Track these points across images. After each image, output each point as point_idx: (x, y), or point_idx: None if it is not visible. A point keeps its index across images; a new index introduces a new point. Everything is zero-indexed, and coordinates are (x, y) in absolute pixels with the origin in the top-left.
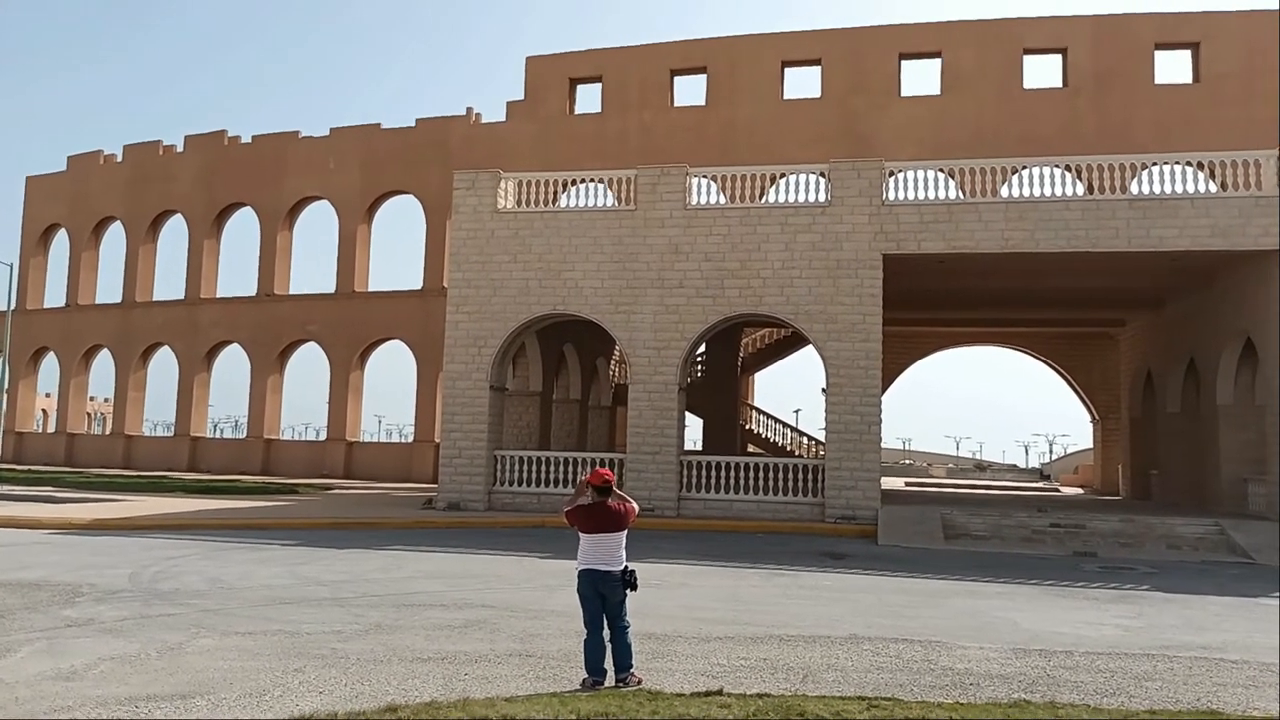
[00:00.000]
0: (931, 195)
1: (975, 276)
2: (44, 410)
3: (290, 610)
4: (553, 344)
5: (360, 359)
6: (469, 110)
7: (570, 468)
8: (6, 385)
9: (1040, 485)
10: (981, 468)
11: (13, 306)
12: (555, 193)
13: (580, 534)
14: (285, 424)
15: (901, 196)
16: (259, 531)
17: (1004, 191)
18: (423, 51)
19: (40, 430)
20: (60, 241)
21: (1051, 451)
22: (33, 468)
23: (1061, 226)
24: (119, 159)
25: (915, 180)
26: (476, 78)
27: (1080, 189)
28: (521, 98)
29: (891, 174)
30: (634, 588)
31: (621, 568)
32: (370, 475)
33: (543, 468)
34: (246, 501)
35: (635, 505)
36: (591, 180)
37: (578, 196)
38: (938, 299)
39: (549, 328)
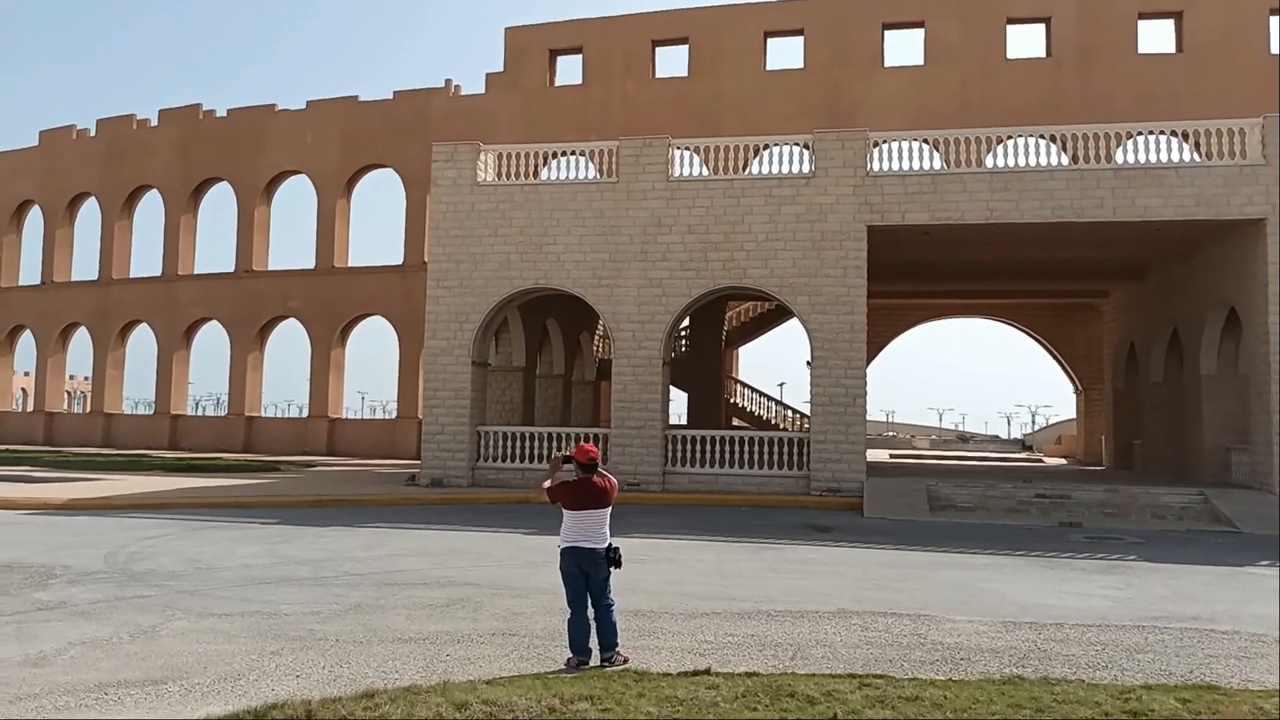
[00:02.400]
0: (916, 166)
1: (959, 248)
2: (23, 389)
3: (269, 590)
4: (535, 319)
5: (341, 335)
6: (448, 82)
7: (554, 443)
8: None
9: (1023, 456)
10: (964, 439)
11: None
12: (536, 165)
13: (564, 511)
14: (267, 401)
15: (886, 167)
16: (239, 510)
17: (988, 162)
18: (402, 23)
19: (19, 410)
20: (34, 218)
21: (1034, 422)
22: (11, 447)
23: (1046, 197)
24: (92, 134)
25: (899, 151)
26: (456, 49)
27: (1065, 159)
28: (501, 69)
29: (876, 145)
30: (618, 565)
31: (606, 545)
32: (353, 452)
33: (526, 443)
34: (227, 480)
35: (615, 481)
36: (573, 153)
37: (559, 169)
38: (922, 271)
39: (531, 302)
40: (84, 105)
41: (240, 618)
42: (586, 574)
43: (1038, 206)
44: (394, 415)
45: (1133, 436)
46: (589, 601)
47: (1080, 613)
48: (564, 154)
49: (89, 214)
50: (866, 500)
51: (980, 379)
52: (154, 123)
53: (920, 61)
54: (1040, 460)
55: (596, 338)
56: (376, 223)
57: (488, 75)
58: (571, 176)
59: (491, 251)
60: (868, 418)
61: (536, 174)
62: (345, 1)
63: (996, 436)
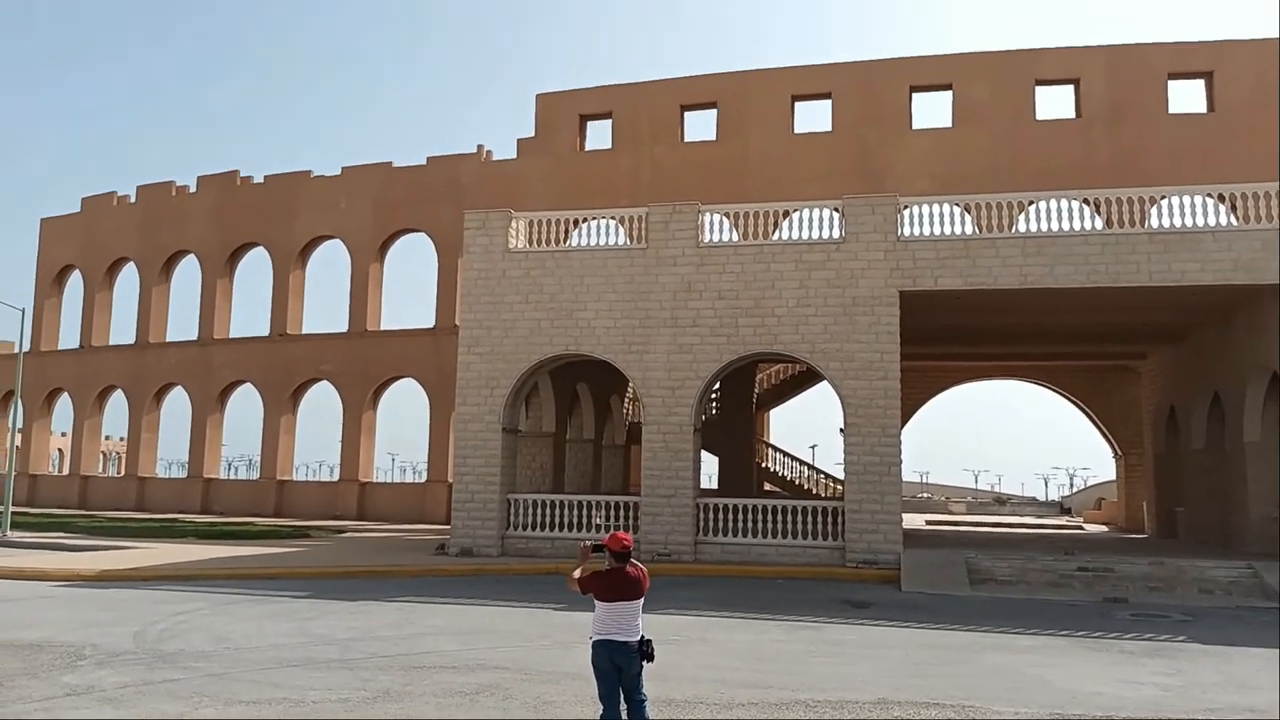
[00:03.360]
0: (947, 230)
1: (993, 312)
2: (59, 450)
3: (297, 674)
4: (566, 383)
5: (373, 398)
6: (480, 148)
7: (584, 511)
8: (20, 427)
9: (1063, 521)
10: (1001, 501)
11: (26, 349)
12: (566, 231)
13: (596, 601)
14: (298, 463)
15: (917, 232)
16: (269, 581)
17: (1020, 225)
18: (434, 90)
19: (55, 472)
20: (74, 283)
21: (1072, 484)
22: (47, 511)
23: (1081, 261)
24: (132, 200)
25: (930, 215)
26: (488, 115)
27: (1099, 222)
28: (532, 135)
29: (906, 208)
30: (651, 659)
31: (639, 638)
32: (383, 516)
33: (556, 511)
34: (258, 547)
35: (647, 570)
36: (603, 218)
37: (589, 235)
38: (956, 334)
39: (562, 367)
40: (125, 172)
41: (267, 705)
42: (619, 668)
43: (1072, 271)
44: (424, 478)
45: (1175, 503)
46: (621, 696)
47: (1132, 703)
48: (594, 219)
49: (128, 279)
50: (904, 573)
51: (1016, 441)
52: (192, 189)
53: (949, 124)
54: (1080, 526)
55: (626, 400)
56: (408, 286)
57: (519, 140)
58: (601, 242)
59: (522, 317)
60: (902, 479)
61: (567, 239)
62: (380, 69)
63: (1034, 499)
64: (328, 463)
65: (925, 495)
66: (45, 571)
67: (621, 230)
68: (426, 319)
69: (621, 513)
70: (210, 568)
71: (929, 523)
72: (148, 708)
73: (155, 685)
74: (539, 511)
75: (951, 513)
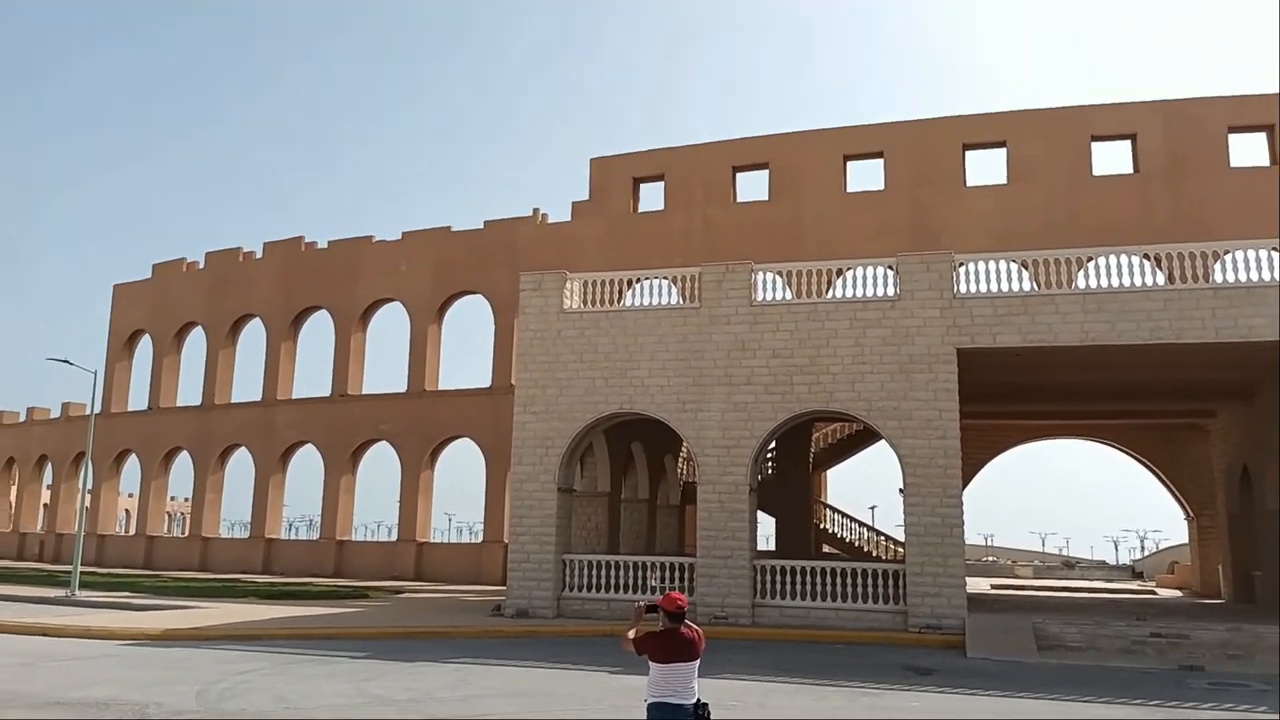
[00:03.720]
0: (1004, 287)
1: (1054, 369)
2: (126, 511)
3: None
4: (620, 442)
5: (431, 458)
6: (535, 211)
7: (639, 572)
8: (90, 488)
9: (1134, 585)
10: (1070, 565)
11: (96, 411)
12: (620, 291)
13: (651, 663)
14: (357, 522)
15: (973, 289)
16: (328, 642)
17: (1080, 282)
18: (491, 155)
19: (122, 532)
20: (144, 346)
21: (1143, 547)
22: (113, 570)
23: (1143, 317)
24: (201, 266)
25: (987, 272)
26: (543, 179)
27: (1160, 278)
28: (586, 198)
29: (961, 265)
30: None
31: (694, 701)
32: (440, 577)
33: (612, 572)
34: (317, 608)
35: (702, 632)
36: (656, 278)
37: (643, 294)
38: (1016, 392)
39: (616, 426)
40: (194, 239)
41: None
42: None
43: (1134, 328)
44: (480, 538)
45: (1252, 566)
46: None
47: None
48: (647, 279)
49: (195, 342)
50: (969, 639)
51: (1084, 502)
52: (258, 255)
53: (1004, 181)
54: (1153, 591)
55: (681, 460)
56: (466, 347)
57: (573, 203)
58: (655, 302)
59: (577, 377)
60: (966, 542)
61: (620, 299)
62: (438, 137)
63: (1104, 562)
64: (386, 523)
65: (990, 559)
66: (112, 630)
67: (674, 290)
68: (483, 379)
69: (677, 574)
70: (271, 628)
71: (994, 587)
72: None
73: None
74: (594, 572)
75: (1018, 576)
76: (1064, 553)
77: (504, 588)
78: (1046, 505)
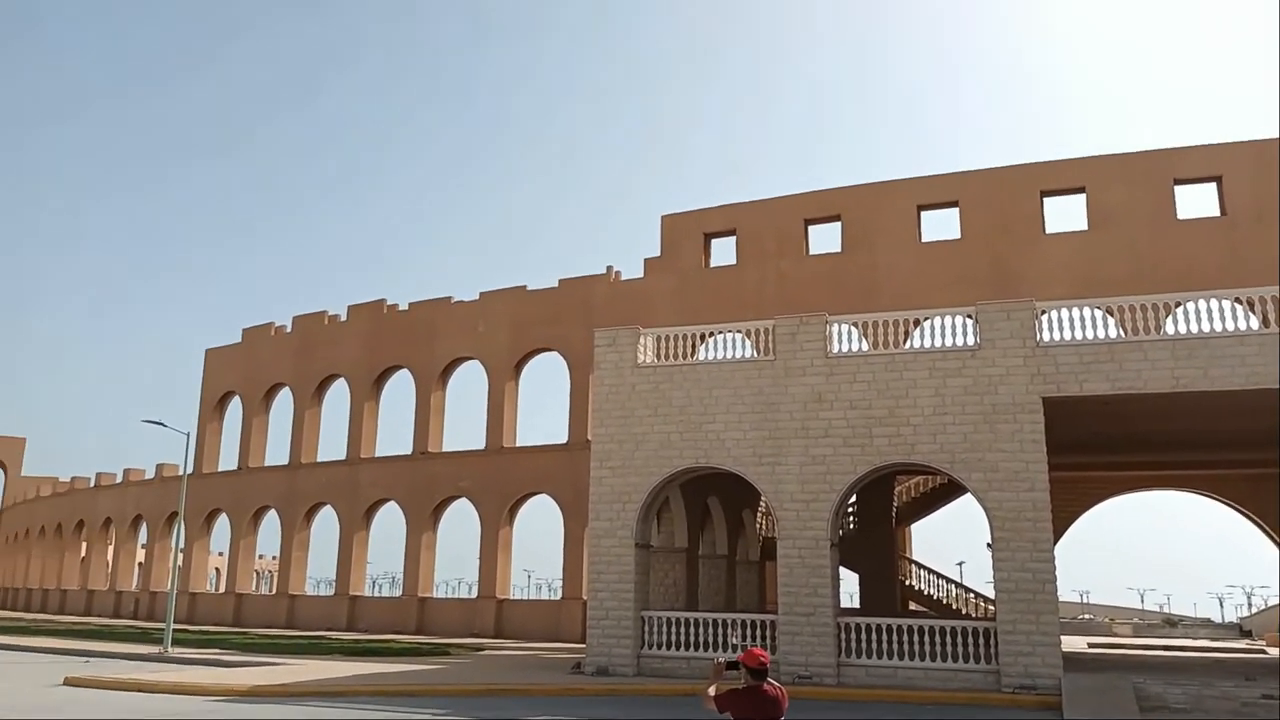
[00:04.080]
0: (1089, 335)
1: (1146, 418)
2: (216, 569)
3: None
4: (697, 497)
5: (509, 514)
6: (609, 268)
7: (719, 630)
8: (182, 546)
9: (1242, 644)
10: (1171, 623)
11: (189, 471)
12: (693, 345)
13: None
14: (439, 579)
15: (1057, 337)
16: (412, 699)
17: (1169, 328)
18: (565, 215)
19: (212, 590)
20: (234, 407)
21: (1250, 604)
22: (204, 628)
23: (1237, 362)
24: (288, 329)
25: (1070, 320)
26: (616, 238)
27: (1254, 322)
28: (658, 254)
29: (1044, 313)
30: None
31: None
32: (520, 634)
33: (691, 630)
34: (400, 664)
35: (785, 690)
36: (729, 332)
37: (716, 348)
38: (1107, 442)
39: (692, 481)
40: (282, 303)
41: None
42: None
43: (1229, 374)
44: (559, 595)
45: None
46: None
47: None
48: (721, 333)
49: (283, 403)
50: (1066, 700)
51: (1185, 557)
52: (343, 317)
53: (1084, 227)
54: (1262, 649)
55: (759, 514)
56: (544, 404)
57: (646, 260)
58: (729, 355)
59: (652, 431)
60: (1060, 599)
61: (694, 354)
62: (515, 198)
63: (1209, 620)
64: (466, 580)
65: (1086, 616)
66: (203, 686)
67: (748, 343)
68: (559, 436)
69: (758, 631)
70: (355, 685)
71: (1091, 645)
72: None
73: None
74: (673, 629)
75: (1116, 635)
76: (1165, 610)
77: (583, 645)
78: (1145, 560)
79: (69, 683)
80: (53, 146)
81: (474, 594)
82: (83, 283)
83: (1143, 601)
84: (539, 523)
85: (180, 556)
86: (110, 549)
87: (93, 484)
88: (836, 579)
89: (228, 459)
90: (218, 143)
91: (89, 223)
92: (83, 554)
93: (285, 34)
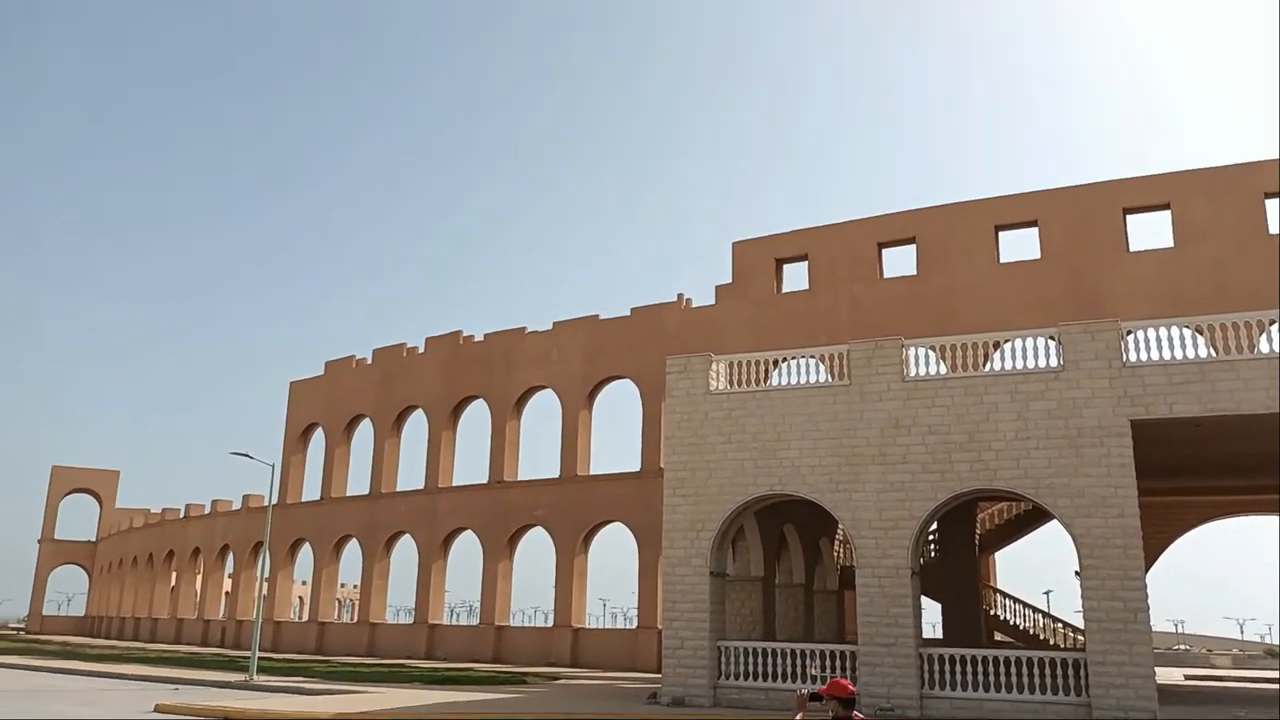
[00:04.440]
0: (1177, 354)
1: (1240, 439)
2: (300, 598)
3: None
4: (772, 525)
5: (584, 542)
6: (680, 296)
7: (798, 660)
8: (267, 576)
9: None
10: (1274, 654)
11: (274, 502)
12: (766, 372)
13: None
14: (515, 608)
15: (1144, 357)
16: None
17: (1263, 346)
18: (637, 245)
19: (296, 619)
20: (317, 439)
21: None
22: (288, 656)
23: None
24: (368, 361)
25: (1157, 339)
26: (686, 265)
27: None
28: (730, 281)
29: (1130, 334)
30: None
31: None
32: (596, 663)
33: (769, 660)
34: (479, 693)
35: None
36: (803, 357)
37: (789, 374)
38: (1200, 466)
39: (767, 509)
40: (363, 338)
41: None
42: None
43: None
44: (634, 624)
45: None
46: None
47: None
48: (794, 359)
49: (363, 434)
50: None
51: None
52: (421, 349)
53: (1169, 244)
54: None
55: (837, 542)
56: (617, 432)
57: (717, 287)
58: (802, 381)
59: (726, 458)
60: (1153, 629)
61: (767, 380)
62: (586, 231)
63: None
64: (542, 608)
65: (1181, 647)
66: (287, 714)
67: (822, 368)
68: (632, 464)
69: (838, 662)
70: (436, 713)
71: (1188, 677)
72: None
73: None
74: (751, 660)
75: (1214, 666)
76: (1266, 641)
77: (659, 675)
78: (1244, 589)
79: (160, 710)
80: (135, 195)
81: (550, 622)
82: (170, 324)
83: (1242, 632)
84: (613, 551)
85: (265, 586)
86: (198, 578)
87: (182, 515)
88: (918, 608)
89: (311, 489)
90: (296, 180)
91: (177, 264)
92: (172, 583)
93: (354, 72)
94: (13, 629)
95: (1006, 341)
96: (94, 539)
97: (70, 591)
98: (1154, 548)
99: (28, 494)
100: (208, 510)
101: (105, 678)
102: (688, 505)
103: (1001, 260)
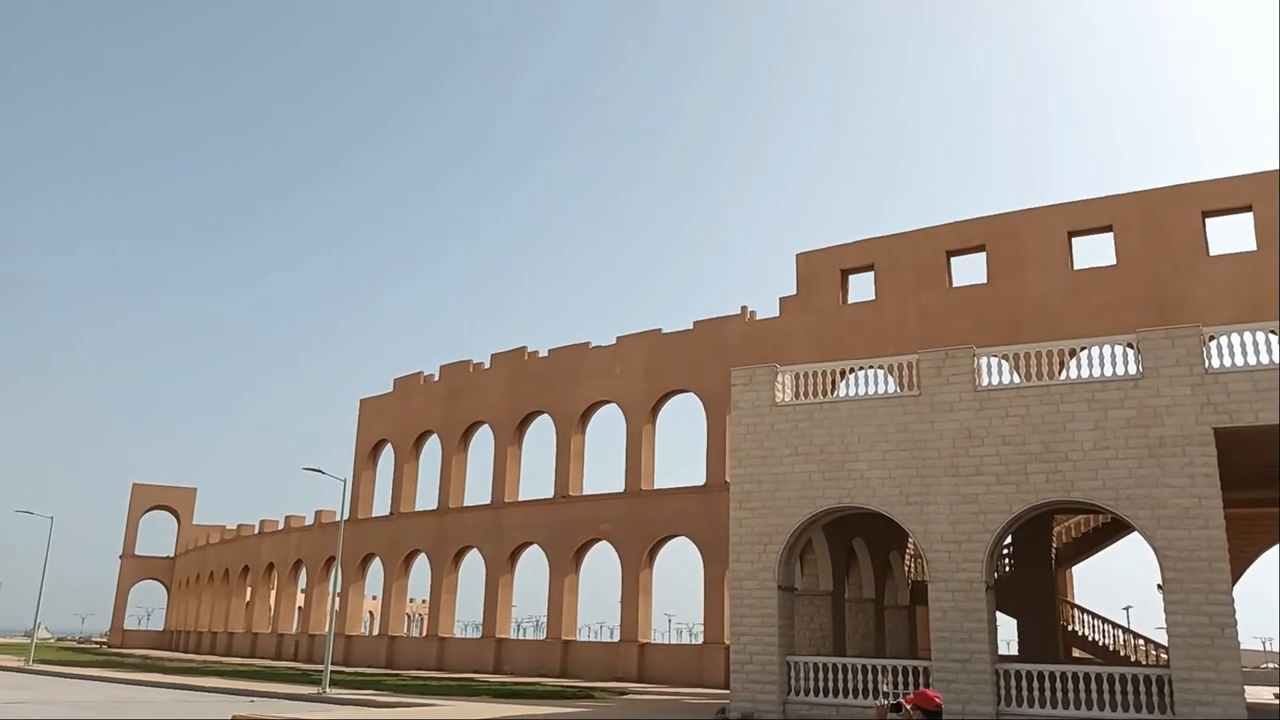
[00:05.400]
0: (1263, 360)
1: None
2: (370, 612)
3: None
4: (841, 539)
5: (649, 557)
6: (743, 309)
7: (869, 676)
8: (339, 590)
9: None
10: None
11: (345, 517)
12: (833, 383)
13: None
14: (581, 622)
15: (1227, 363)
16: None
17: None
18: (699, 258)
19: (366, 633)
20: (386, 455)
21: None
22: (359, 670)
23: None
24: (436, 378)
25: (1242, 345)
26: (750, 277)
27: None
28: (794, 292)
29: (1212, 339)
30: None
31: None
32: (662, 678)
33: (839, 676)
34: (546, 707)
35: None
36: (870, 368)
37: (857, 385)
38: None
39: (835, 522)
40: (432, 354)
41: None
42: None
43: None
44: (701, 639)
45: None
46: None
47: None
48: (861, 370)
49: (431, 449)
50: None
51: None
52: (487, 365)
53: (1252, 247)
54: None
55: (907, 557)
56: (683, 445)
57: (781, 299)
58: (870, 392)
59: (792, 471)
60: (1241, 645)
61: (833, 391)
62: (645, 245)
63: None
64: (608, 623)
65: (1271, 665)
66: None
67: (891, 379)
68: (697, 478)
69: (910, 678)
70: None
71: (1278, 696)
72: None
73: None
74: (821, 675)
75: None
76: None
77: (727, 690)
78: None
79: None
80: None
81: (616, 637)
82: (246, 345)
83: None
84: (677, 566)
85: (337, 600)
86: (272, 593)
87: (257, 530)
88: (993, 624)
89: (381, 504)
90: (365, 211)
91: (248, 290)
92: (248, 598)
93: (410, 96)
94: (96, 643)
95: (1083, 349)
96: (172, 555)
97: (150, 606)
98: (1240, 561)
99: (110, 512)
100: (281, 526)
101: (184, 689)
102: (754, 519)
103: (1075, 267)
